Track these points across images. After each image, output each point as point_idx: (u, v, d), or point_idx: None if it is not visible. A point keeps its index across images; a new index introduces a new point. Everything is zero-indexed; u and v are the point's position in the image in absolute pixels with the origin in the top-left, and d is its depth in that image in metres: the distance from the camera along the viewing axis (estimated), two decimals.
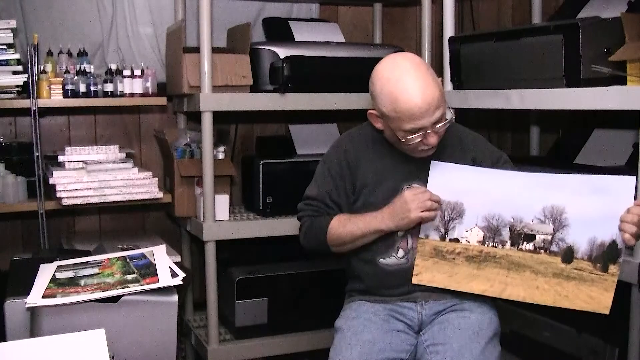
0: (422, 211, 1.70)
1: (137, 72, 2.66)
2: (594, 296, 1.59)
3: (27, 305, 1.55)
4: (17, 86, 2.49)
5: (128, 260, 1.83)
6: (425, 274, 1.74)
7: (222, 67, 2.54)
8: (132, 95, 2.65)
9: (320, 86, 2.63)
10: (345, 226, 1.81)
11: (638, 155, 1.84)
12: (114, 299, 1.58)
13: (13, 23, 2.42)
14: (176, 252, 2.70)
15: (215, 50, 2.51)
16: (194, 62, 2.54)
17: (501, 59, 2.30)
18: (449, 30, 2.56)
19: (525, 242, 1.66)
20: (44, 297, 1.58)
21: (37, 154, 2.52)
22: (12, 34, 2.42)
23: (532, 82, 2.16)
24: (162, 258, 1.82)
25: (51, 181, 2.50)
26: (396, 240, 1.83)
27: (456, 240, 1.72)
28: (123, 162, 2.62)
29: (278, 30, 2.96)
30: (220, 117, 2.62)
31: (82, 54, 2.69)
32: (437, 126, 1.71)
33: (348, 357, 1.74)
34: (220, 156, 2.70)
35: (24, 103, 2.49)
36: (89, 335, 1.36)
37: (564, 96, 2.04)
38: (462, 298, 1.84)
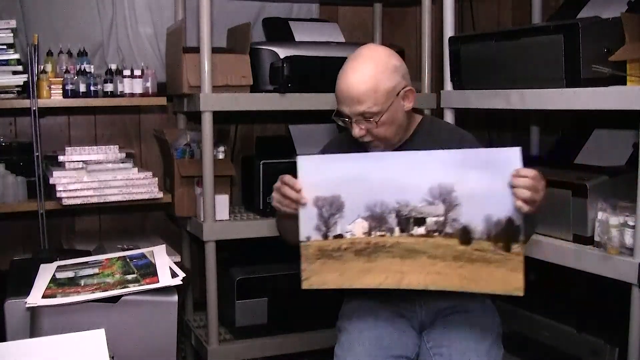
0: (277, 201, 1.67)
1: (137, 72, 2.66)
2: (502, 277, 1.48)
3: (27, 305, 1.55)
4: (17, 86, 2.49)
5: (128, 260, 1.82)
6: (315, 278, 1.59)
7: (222, 67, 2.54)
8: (132, 95, 2.65)
9: (320, 86, 2.63)
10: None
11: (638, 155, 1.84)
12: (114, 299, 1.58)
13: (13, 23, 2.42)
14: (176, 252, 2.70)
15: (215, 50, 2.51)
16: (194, 62, 2.54)
17: (501, 59, 2.30)
18: (449, 30, 2.56)
19: (415, 227, 1.53)
20: (44, 297, 1.58)
21: (37, 154, 2.52)
22: (12, 34, 2.42)
23: (532, 82, 2.16)
24: (162, 258, 1.82)
25: (51, 181, 2.50)
26: None
27: (340, 236, 1.58)
28: (123, 162, 2.62)
29: (278, 30, 2.96)
30: (220, 117, 2.62)
31: (82, 54, 2.69)
32: (358, 120, 1.74)
33: (356, 355, 1.74)
34: (220, 156, 2.70)
35: (24, 103, 2.49)
36: (89, 335, 1.36)
37: (564, 96, 2.04)
38: (462, 298, 1.84)
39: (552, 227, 2.16)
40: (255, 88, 2.63)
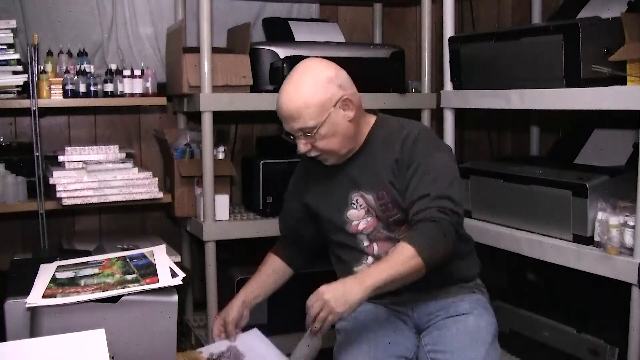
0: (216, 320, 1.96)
1: (137, 72, 2.66)
2: None
3: (27, 305, 1.55)
4: (17, 86, 2.49)
5: (128, 260, 1.82)
6: None
7: (222, 67, 2.54)
8: (132, 95, 2.65)
9: None
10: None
11: (638, 155, 1.84)
12: (114, 299, 1.58)
13: (13, 23, 2.42)
14: (176, 252, 2.70)
15: (215, 50, 2.51)
16: (194, 62, 2.54)
17: (501, 59, 2.30)
18: (449, 30, 2.56)
19: None
20: (44, 297, 1.57)
21: (37, 154, 2.52)
22: (12, 34, 2.42)
23: (532, 82, 2.16)
24: (162, 258, 1.82)
25: (51, 181, 2.50)
26: (363, 250, 1.84)
27: None
28: (123, 162, 2.62)
29: (278, 30, 2.96)
30: (220, 117, 2.62)
31: (82, 54, 2.69)
32: (299, 136, 1.76)
33: (355, 355, 1.74)
34: (220, 156, 2.70)
35: (24, 103, 2.49)
36: (89, 335, 1.36)
37: (564, 96, 2.04)
38: (453, 300, 1.83)
39: (552, 227, 2.16)
40: (255, 88, 2.63)
